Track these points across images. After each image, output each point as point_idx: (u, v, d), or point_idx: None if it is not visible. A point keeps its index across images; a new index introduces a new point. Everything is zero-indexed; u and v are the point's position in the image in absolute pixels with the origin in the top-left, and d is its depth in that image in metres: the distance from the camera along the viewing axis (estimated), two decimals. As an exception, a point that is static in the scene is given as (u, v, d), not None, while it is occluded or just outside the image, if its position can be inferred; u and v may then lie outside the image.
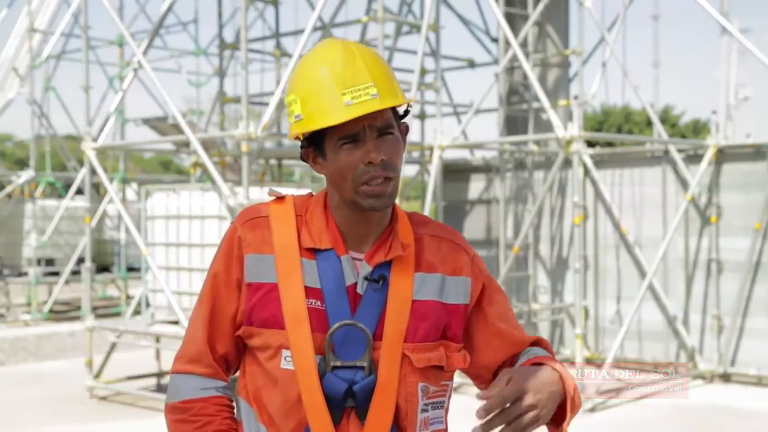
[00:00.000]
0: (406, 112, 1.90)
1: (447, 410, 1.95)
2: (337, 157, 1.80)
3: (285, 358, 1.81)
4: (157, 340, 8.90)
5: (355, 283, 1.84)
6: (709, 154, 9.24)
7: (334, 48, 1.81)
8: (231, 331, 1.91)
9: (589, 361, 9.52)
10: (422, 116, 12.28)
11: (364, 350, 1.80)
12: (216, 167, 9.35)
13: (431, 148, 9.55)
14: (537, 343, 2.01)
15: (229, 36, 16.30)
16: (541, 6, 9.62)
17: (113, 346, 8.81)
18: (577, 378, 7.67)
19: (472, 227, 11.29)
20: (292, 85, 1.86)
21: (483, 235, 11.21)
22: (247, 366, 1.90)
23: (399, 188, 1.87)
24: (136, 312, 9.63)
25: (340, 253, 1.85)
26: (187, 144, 10.75)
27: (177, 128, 11.15)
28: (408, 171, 12.56)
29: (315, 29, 9.90)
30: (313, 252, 1.86)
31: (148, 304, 8.75)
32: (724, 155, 9.39)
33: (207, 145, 10.57)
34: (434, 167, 9.22)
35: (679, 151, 9.68)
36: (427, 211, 8.69)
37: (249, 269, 1.87)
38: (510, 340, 1.97)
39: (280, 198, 1.94)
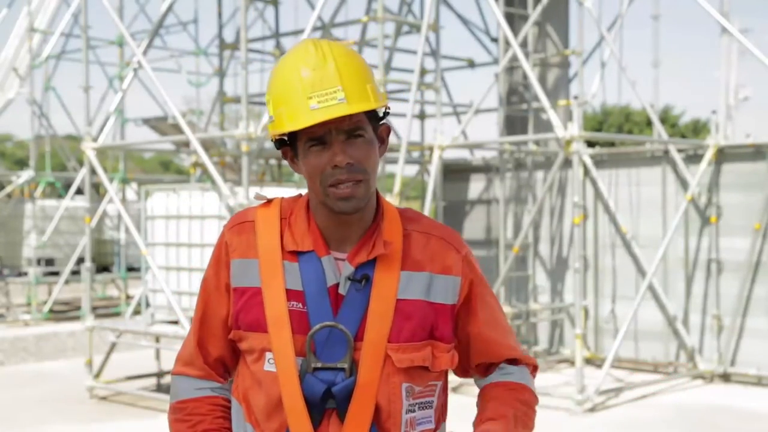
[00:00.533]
0: (386, 114, 1.89)
1: (437, 409, 1.94)
2: (306, 159, 1.82)
3: (268, 361, 1.84)
4: (157, 340, 8.90)
5: (338, 284, 1.84)
6: (709, 154, 9.24)
7: (307, 50, 1.82)
8: (224, 334, 1.94)
9: (588, 361, 9.53)
10: (422, 116, 12.28)
11: (345, 351, 1.81)
12: (216, 167, 9.35)
13: (431, 148, 9.54)
14: (517, 361, 2.02)
15: (229, 36, 16.29)
16: (540, 6, 9.62)
17: (113, 346, 8.81)
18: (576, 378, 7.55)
19: (472, 227, 11.29)
20: (268, 86, 1.88)
21: (483, 235, 11.20)
22: (240, 367, 1.94)
23: (372, 189, 1.85)
24: (136, 312, 9.63)
25: (321, 254, 1.86)
26: (187, 144, 10.75)
27: (177, 128, 11.16)
28: (408, 171, 12.56)
29: (315, 29, 9.90)
30: (296, 254, 1.87)
31: (148, 304, 8.74)
32: (724, 155, 9.39)
33: (207, 145, 10.57)
34: (434, 167, 9.22)
35: (679, 151, 9.68)
36: (426, 211, 8.68)
37: (235, 274, 1.90)
38: (491, 349, 1.98)
39: (268, 202, 1.96)
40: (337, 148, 1.79)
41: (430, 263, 1.89)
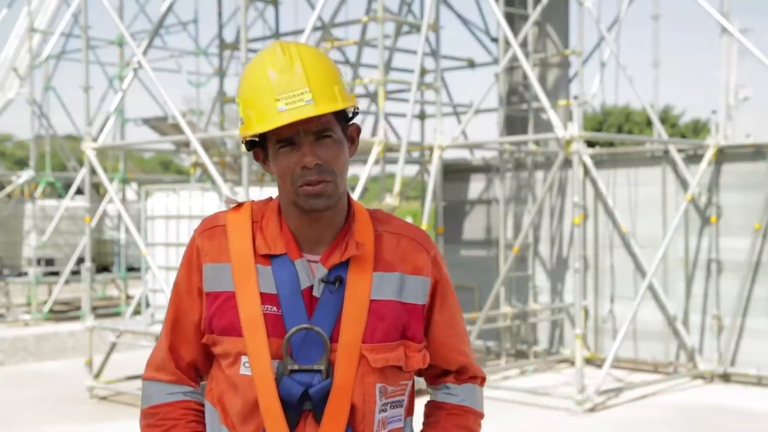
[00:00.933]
0: (355, 114, 1.91)
1: (407, 409, 1.97)
2: (276, 161, 1.84)
3: (244, 364, 1.85)
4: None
5: (312, 286, 1.85)
6: (709, 154, 9.24)
7: (274, 53, 1.83)
8: (196, 338, 1.95)
9: (588, 361, 9.52)
10: (422, 116, 12.28)
11: (322, 353, 1.82)
12: (216, 167, 9.35)
13: (431, 148, 9.54)
14: (465, 371, 2.03)
15: (229, 36, 16.31)
16: (540, 6, 9.62)
17: (113, 346, 8.82)
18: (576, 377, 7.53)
19: (472, 227, 11.29)
20: (238, 88, 1.90)
21: (483, 235, 11.20)
22: (214, 371, 1.94)
23: (342, 189, 1.86)
24: (136, 312, 9.63)
25: (294, 257, 1.86)
26: (187, 144, 10.75)
27: (177, 128, 11.16)
28: (408, 171, 12.56)
29: (315, 29, 9.89)
30: (269, 258, 1.87)
31: (148, 304, 8.74)
32: (724, 155, 9.39)
33: (207, 145, 10.57)
34: (434, 167, 9.22)
35: (679, 151, 9.68)
36: (426, 211, 8.68)
37: (207, 279, 1.91)
38: (441, 352, 2.00)
39: (239, 205, 1.97)
40: (305, 149, 1.80)
41: (402, 264, 1.91)
